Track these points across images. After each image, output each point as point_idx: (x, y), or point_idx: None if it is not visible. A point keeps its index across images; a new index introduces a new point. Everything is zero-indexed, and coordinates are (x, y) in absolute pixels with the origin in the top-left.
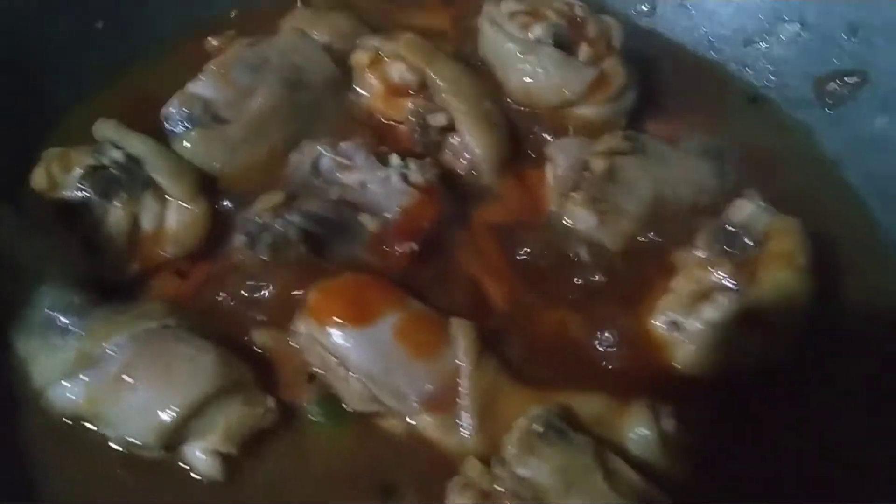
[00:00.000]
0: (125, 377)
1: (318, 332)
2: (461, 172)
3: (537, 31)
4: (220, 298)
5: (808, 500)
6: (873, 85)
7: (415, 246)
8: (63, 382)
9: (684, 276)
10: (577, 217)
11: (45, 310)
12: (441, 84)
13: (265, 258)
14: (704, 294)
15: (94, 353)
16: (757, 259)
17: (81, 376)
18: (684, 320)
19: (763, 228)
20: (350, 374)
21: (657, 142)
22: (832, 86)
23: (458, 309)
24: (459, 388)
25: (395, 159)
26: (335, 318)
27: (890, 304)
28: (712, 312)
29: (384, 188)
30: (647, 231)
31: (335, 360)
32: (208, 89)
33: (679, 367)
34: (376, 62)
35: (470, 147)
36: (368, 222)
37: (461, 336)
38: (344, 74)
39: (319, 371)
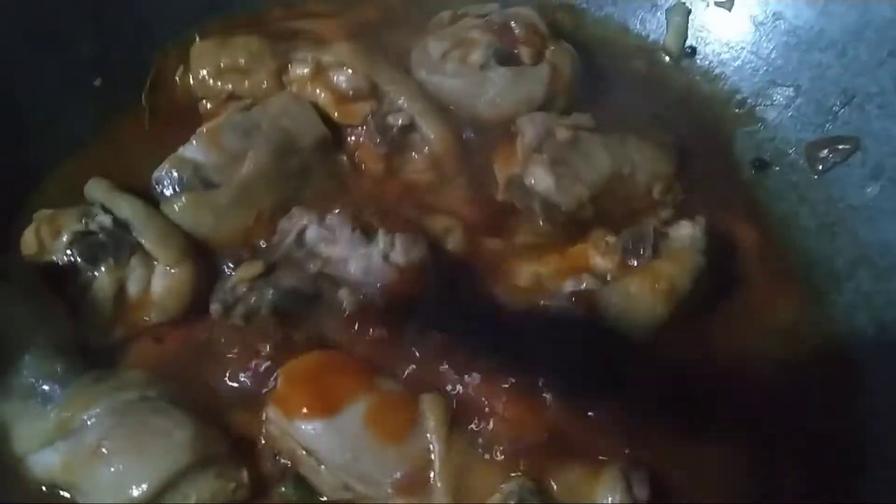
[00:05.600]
0: (102, 449)
1: (287, 424)
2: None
3: (476, 57)
4: (198, 365)
5: None
6: (865, 153)
7: (385, 334)
8: (42, 450)
9: (577, 249)
10: (537, 176)
11: (28, 377)
12: (391, 88)
13: (239, 325)
14: (577, 271)
15: (73, 423)
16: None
17: (59, 445)
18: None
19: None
20: (322, 466)
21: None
22: (824, 152)
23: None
24: (431, 469)
25: (381, 236)
26: (303, 410)
27: None
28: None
29: (365, 265)
30: (597, 202)
31: (305, 452)
32: (199, 153)
33: None
34: (318, 73)
35: (429, 140)
36: (346, 298)
37: (430, 413)
38: (334, 135)
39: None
